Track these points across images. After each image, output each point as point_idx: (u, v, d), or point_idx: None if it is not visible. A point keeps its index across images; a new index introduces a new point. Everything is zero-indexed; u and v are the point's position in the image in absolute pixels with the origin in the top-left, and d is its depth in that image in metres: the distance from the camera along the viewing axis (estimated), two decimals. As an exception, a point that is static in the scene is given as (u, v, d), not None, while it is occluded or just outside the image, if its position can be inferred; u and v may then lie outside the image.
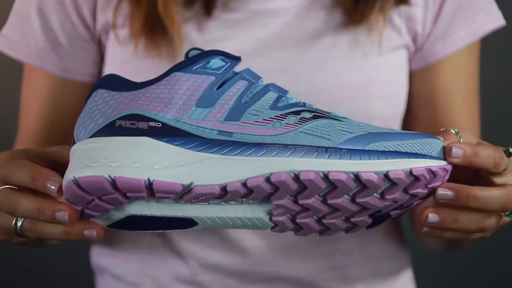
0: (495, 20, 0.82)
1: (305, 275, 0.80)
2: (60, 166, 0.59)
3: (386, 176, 0.53)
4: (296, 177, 0.53)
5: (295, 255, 0.80)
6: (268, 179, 0.53)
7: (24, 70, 0.84)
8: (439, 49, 0.80)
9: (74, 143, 0.57)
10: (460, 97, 0.81)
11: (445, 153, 0.55)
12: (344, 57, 0.77)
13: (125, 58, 0.78)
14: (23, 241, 0.63)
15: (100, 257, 0.85)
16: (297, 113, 0.56)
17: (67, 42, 0.81)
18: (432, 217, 0.57)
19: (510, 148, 0.58)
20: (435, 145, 0.55)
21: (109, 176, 0.53)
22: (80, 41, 0.81)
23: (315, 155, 0.53)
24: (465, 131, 0.61)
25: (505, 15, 0.83)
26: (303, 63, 0.77)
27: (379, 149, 0.54)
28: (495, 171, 0.57)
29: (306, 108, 0.57)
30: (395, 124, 0.79)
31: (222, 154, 0.54)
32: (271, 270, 0.79)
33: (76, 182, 0.54)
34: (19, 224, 0.59)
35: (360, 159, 0.53)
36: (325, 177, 0.53)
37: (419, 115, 0.83)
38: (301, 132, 0.54)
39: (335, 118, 0.56)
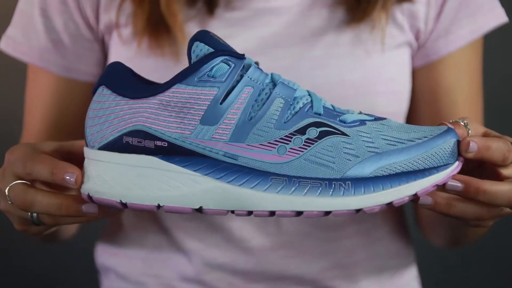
0: (498, 17, 0.81)
1: (309, 273, 0.80)
2: (75, 159, 0.61)
3: (389, 204, 0.54)
4: (300, 213, 0.54)
5: (300, 254, 0.80)
6: (272, 213, 0.54)
7: (28, 70, 0.84)
8: (442, 46, 0.80)
9: (86, 143, 0.58)
10: (463, 93, 0.81)
11: (461, 148, 0.56)
12: (347, 54, 0.77)
13: (128, 58, 0.77)
14: (39, 230, 0.64)
15: (104, 256, 0.85)
16: (303, 131, 0.55)
17: (70, 42, 0.81)
18: (424, 199, 0.57)
19: None
20: (446, 148, 0.55)
21: (121, 200, 0.55)
22: (83, 41, 0.81)
23: (319, 192, 0.53)
24: (472, 122, 0.61)
25: (508, 12, 0.83)
26: (305, 61, 0.77)
27: (385, 174, 0.54)
28: (502, 164, 0.57)
29: (313, 119, 0.56)
30: (399, 121, 0.79)
31: (228, 183, 0.54)
32: (276, 269, 0.79)
33: (91, 198, 0.56)
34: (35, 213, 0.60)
35: (364, 193, 0.53)
36: (328, 213, 0.54)
37: (422, 112, 0.82)
38: (305, 160, 0.54)
39: (342, 132, 0.55)
